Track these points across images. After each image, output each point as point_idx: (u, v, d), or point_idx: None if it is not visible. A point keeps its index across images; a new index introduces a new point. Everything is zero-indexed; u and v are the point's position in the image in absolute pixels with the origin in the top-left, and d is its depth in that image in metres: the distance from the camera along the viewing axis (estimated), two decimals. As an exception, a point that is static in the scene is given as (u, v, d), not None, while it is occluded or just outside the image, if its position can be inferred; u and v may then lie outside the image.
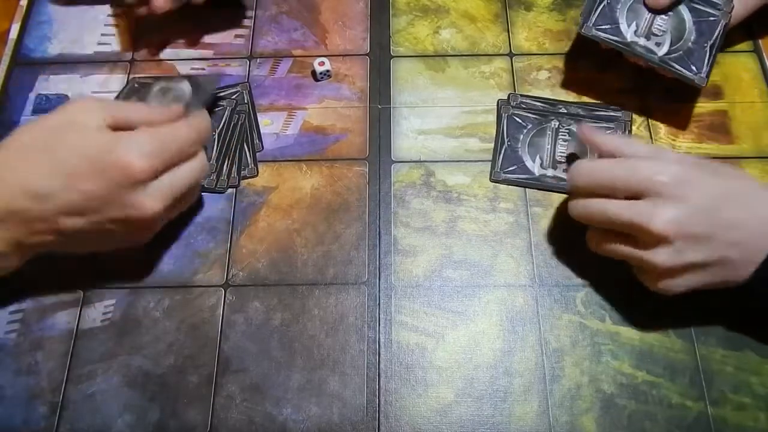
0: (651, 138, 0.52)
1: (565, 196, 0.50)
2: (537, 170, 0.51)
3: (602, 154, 0.44)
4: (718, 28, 0.49)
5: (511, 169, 0.51)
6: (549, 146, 0.51)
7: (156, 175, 0.41)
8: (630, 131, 0.51)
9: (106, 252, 0.45)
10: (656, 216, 0.39)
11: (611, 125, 0.51)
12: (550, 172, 0.50)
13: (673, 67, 0.49)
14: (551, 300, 0.46)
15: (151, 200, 0.41)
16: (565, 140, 0.51)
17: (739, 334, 0.45)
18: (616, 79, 0.53)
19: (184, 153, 0.43)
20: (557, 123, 0.51)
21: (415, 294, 0.47)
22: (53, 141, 0.40)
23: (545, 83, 0.55)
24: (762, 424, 0.42)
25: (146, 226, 0.43)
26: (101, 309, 0.47)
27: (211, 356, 0.45)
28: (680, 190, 0.39)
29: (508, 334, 0.45)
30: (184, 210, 0.46)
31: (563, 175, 0.50)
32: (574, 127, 0.51)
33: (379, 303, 0.47)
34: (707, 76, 0.49)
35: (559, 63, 0.56)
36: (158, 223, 0.43)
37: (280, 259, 0.48)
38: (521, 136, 0.51)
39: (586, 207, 0.43)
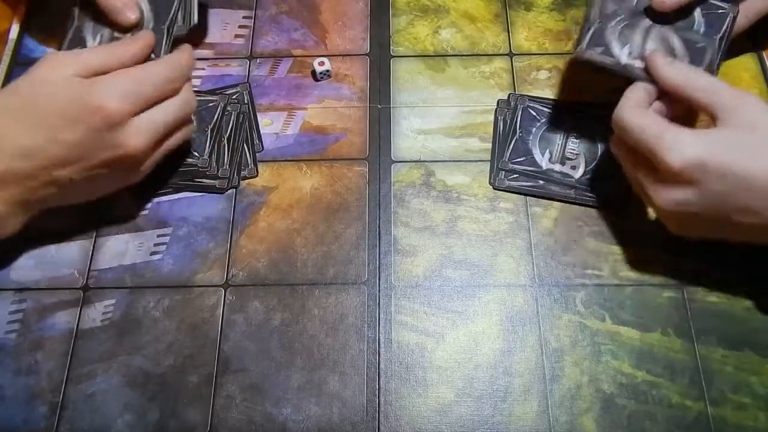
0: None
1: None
2: (545, 164, 0.50)
3: (663, 88, 0.43)
4: (727, 21, 0.47)
5: (519, 159, 0.50)
6: (560, 142, 0.51)
7: (135, 114, 0.42)
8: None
9: (107, 197, 0.47)
10: (660, 196, 0.40)
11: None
12: (557, 167, 0.50)
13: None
14: (551, 300, 0.46)
15: (135, 137, 0.42)
16: (576, 137, 0.51)
17: (739, 334, 0.45)
18: (616, 79, 0.53)
19: (164, 89, 0.44)
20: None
21: (415, 294, 0.47)
22: (30, 99, 0.41)
23: (545, 83, 0.55)
24: (762, 424, 0.42)
25: (135, 162, 0.44)
26: (101, 309, 0.47)
27: (211, 356, 0.45)
28: (694, 176, 0.38)
29: (508, 334, 0.45)
30: (173, 147, 0.47)
31: (570, 172, 0.50)
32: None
33: (379, 303, 0.47)
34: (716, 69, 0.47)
35: (559, 63, 0.56)
36: (147, 158, 0.44)
37: (280, 259, 0.48)
38: (534, 129, 0.51)
39: (615, 153, 0.45)
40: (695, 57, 0.46)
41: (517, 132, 0.52)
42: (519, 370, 0.44)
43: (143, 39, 0.46)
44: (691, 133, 0.39)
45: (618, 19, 0.47)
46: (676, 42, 0.47)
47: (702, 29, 0.47)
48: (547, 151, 0.51)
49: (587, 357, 0.44)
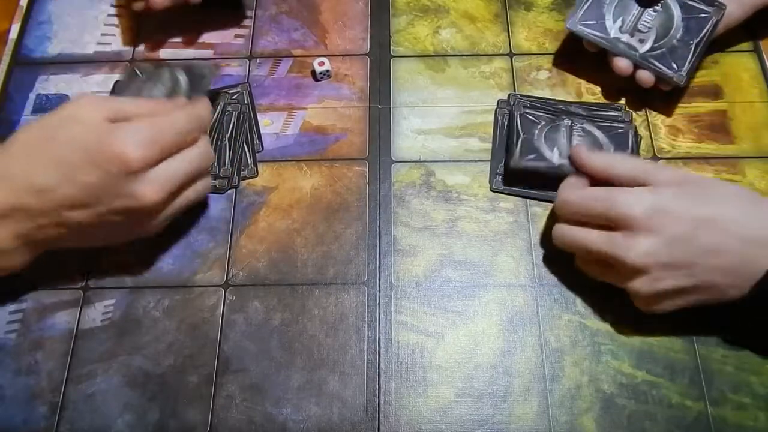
0: (651, 138, 0.52)
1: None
2: (557, 160, 0.49)
3: (592, 176, 0.44)
4: (708, 26, 0.48)
5: (530, 157, 0.49)
6: (565, 140, 0.50)
7: (153, 163, 0.41)
8: (636, 136, 0.51)
9: (114, 246, 0.46)
10: (631, 249, 0.40)
11: (621, 126, 0.50)
12: (568, 163, 0.48)
13: (653, 64, 0.49)
14: (551, 300, 0.46)
15: (150, 189, 0.41)
16: (580, 135, 0.50)
17: (739, 334, 0.45)
18: (616, 79, 0.53)
19: (183, 140, 0.43)
20: (569, 121, 0.50)
21: (415, 294, 0.47)
22: (53, 137, 0.41)
23: (545, 83, 0.55)
24: (762, 424, 0.42)
25: (148, 214, 0.43)
26: (101, 309, 0.47)
27: (211, 356, 0.45)
28: (656, 221, 0.40)
29: (508, 334, 0.45)
30: (192, 204, 0.46)
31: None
32: (587, 126, 0.50)
33: (379, 303, 0.47)
34: (687, 75, 0.49)
35: (559, 62, 0.56)
36: (161, 212, 0.43)
37: (280, 259, 0.48)
38: (536, 131, 0.51)
39: (564, 236, 0.44)
40: (693, 29, 0.49)
41: (521, 134, 0.50)
42: (519, 370, 0.44)
43: (177, 101, 0.46)
44: (638, 189, 0.41)
45: (540, 125, 0.50)
46: (598, 132, 0.49)
47: (679, 34, 0.48)
48: (555, 148, 0.50)
49: (587, 357, 0.44)
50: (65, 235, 0.42)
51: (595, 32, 0.49)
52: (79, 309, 0.47)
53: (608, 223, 0.41)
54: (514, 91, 0.55)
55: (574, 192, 0.44)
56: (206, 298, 0.47)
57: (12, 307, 0.47)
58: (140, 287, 0.47)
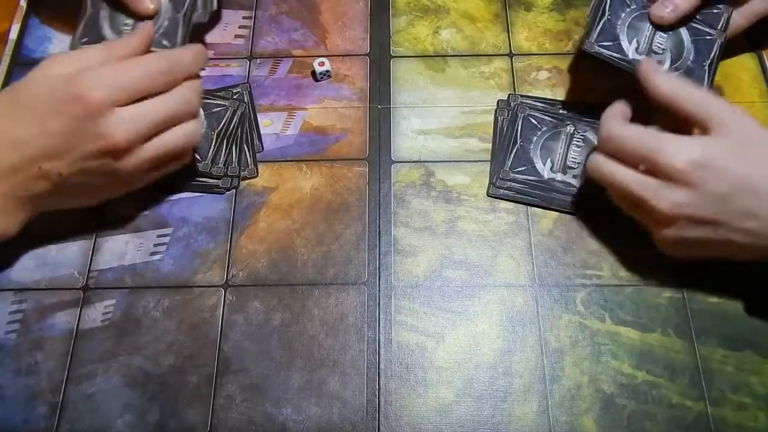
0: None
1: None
2: (546, 173, 0.50)
3: (655, 101, 0.43)
4: (715, 48, 0.48)
5: (520, 169, 0.50)
6: (561, 150, 0.50)
7: (121, 104, 0.42)
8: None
9: (108, 201, 0.47)
10: (663, 198, 0.40)
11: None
12: (559, 177, 0.50)
13: None
14: (551, 300, 0.46)
15: (118, 127, 0.41)
16: (578, 146, 0.50)
17: (739, 334, 0.45)
18: (617, 81, 0.53)
19: (155, 82, 0.43)
20: (572, 128, 0.50)
21: (415, 294, 0.47)
22: (24, 93, 0.42)
23: (545, 83, 0.55)
24: (762, 424, 0.42)
25: (121, 154, 0.42)
26: (101, 309, 0.47)
27: (211, 356, 0.45)
28: (697, 176, 0.39)
29: (508, 334, 0.45)
30: (176, 152, 0.45)
31: (572, 181, 0.49)
32: (589, 134, 0.50)
33: (379, 303, 0.47)
34: None
35: (560, 63, 0.56)
36: (137, 155, 0.43)
37: (280, 259, 0.48)
38: (534, 138, 0.51)
39: (601, 169, 0.43)
40: (702, 50, 0.48)
41: (518, 142, 0.51)
42: (519, 371, 0.44)
43: (142, 32, 0.46)
44: (689, 138, 0.41)
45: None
46: (685, 35, 0.48)
47: (692, 56, 0.48)
48: (549, 159, 0.50)
49: (587, 357, 0.44)
50: (51, 189, 0.43)
51: (613, 54, 0.48)
52: (79, 309, 0.47)
53: (648, 167, 0.41)
54: (514, 91, 0.55)
55: (619, 127, 0.43)
56: (206, 299, 0.47)
57: (12, 307, 0.47)
58: (140, 287, 0.47)
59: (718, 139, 0.40)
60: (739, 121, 0.41)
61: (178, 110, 0.44)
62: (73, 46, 0.50)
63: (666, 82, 0.43)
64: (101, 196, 0.47)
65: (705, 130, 0.41)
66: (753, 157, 0.40)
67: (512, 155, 0.50)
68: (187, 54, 0.46)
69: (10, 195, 0.42)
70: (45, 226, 0.47)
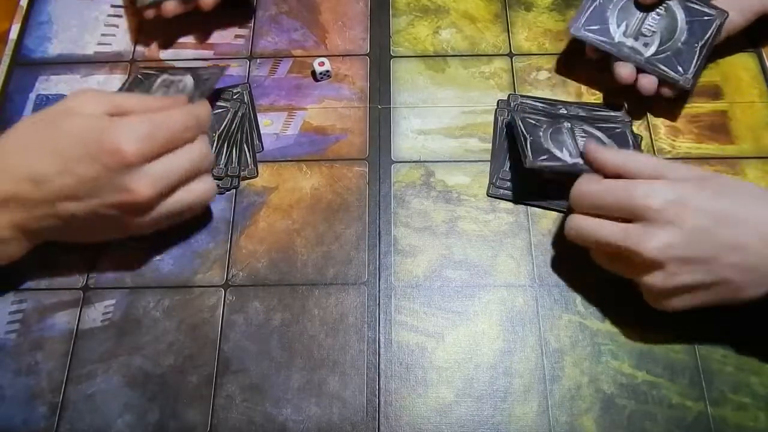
0: (651, 138, 0.52)
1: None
2: (569, 159, 0.47)
3: (607, 173, 0.44)
4: (712, 28, 0.48)
5: (543, 157, 0.48)
6: (570, 141, 0.50)
7: (149, 159, 0.41)
8: (633, 135, 0.50)
9: (109, 242, 0.47)
10: (647, 241, 0.39)
11: (618, 126, 0.50)
12: (581, 161, 0.47)
13: (658, 67, 0.49)
14: (551, 300, 0.46)
15: (144, 184, 0.41)
16: (582, 137, 0.50)
17: (739, 334, 0.45)
18: (616, 79, 0.53)
19: (180, 138, 0.43)
20: (569, 124, 0.49)
21: (415, 294, 0.47)
22: (52, 128, 0.42)
23: (545, 83, 0.55)
24: (762, 424, 0.42)
25: (141, 210, 0.43)
26: (101, 309, 0.47)
27: (211, 356, 0.45)
28: (674, 215, 0.39)
29: (508, 334, 0.45)
30: (191, 208, 0.45)
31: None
32: (587, 127, 0.50)
33: (379, 303, 0.47)
34: (693, 78, 0.49)
35: (560, 64, 0.56)
36: (154, 208, 0.43)
37: (280, 259, 0.48)
38: (540, 133, 0.50)
39: (580, 228, 0.43)
40: (696, 31, 0.49)
41: (528, 137, 0.50)
42: (519, 371, 0.44)
43: (178, 99, 0.46)
44: (658, 181, 0.41)
45: (542, 128, 0.49)
46: (680, 15, 0.49)
47: (684, 37, 0.48)
48: (564, 148, 0.49)
49: (587, 357, 0.44)
50: (60, 226, 0.43)
51: (599, 37, 0.48)
52: (79, 309, 0.47)
53: (625, 216, 0.41)
54: (514, 91, 0.55)
55: (590, 184, 0.43)
56: (206, 299, 0.47)
57: (12, 307, 0.47)
58: (140, 287, 0.47)
59: (678, 183, 0.41)
60: (687, 170, 0.42)
61: (197, 166, 0.44)
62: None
63: (611, 155, 0.44)
64: (106, 237, 0.46)
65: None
66: (714, 192, 0.40)
67: (529, 147, 0.48)
68: (204, 110, 0.45)
69: (17, 225, 0.42)
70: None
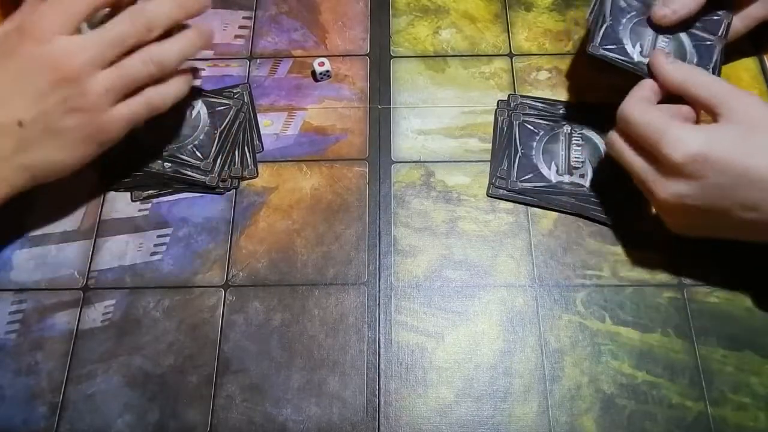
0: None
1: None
2: (553, 177, 0.49)
3: (666, 88, 0.44)
4: (715, 54, 0.48)
5: (527, 177, 0.50)
6: (563, 152, 0.50)
7: (69, 33, 0.41)
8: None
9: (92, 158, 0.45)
10: (662, 188, 0.41)
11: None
12: (566, 179, 0.49)
13: None
14: (551, 300, 0.46)
15: (69, 51, 0.41)
16: (579, 145, 0.50)
17: (739, 334, 0.45)
18: (618, 78, 0.53)
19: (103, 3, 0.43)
20: (569, 128, 0.49)
21: (415, 294, 0.47)
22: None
23: (545, 83, 0.55)
24: (762, 424, 0.42)
25: (77, 84, 0.41)
26: (101, 309, 0.47)
27: (211, 356, 0.45)
28: (696, 168, 0.39)
29: (508, 335, 0.45)
30: (154, 112, 0.45)
31: (581, 181, 0.49)
32: (586, 131, 0.50)
33: (379, 303, 0.47)
34: None
35: (560, 63, 0.56)
36: (94, 81, 0.42)
37: (280, 259, 0.48)
38: (534, 144, 0.50)
39: (614, 148, 0.44)
40: (704, 55, 0.48)
41: (519, 150, 0.51)
42: (519, 371, 0.44)
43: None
44: (693, 128, 0.41)
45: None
46: (686, 40, 0.48)
47: (695, 60, 0.48)
48: (553, 163, 0.50)
49: (587, 357, 0.44)
50: (15, 146, 0.41)
51: (619, 56, 0.48)
52: (79, 309, 0.47)
53: (654, 154, 0.41)
54: (514, 91, 0.55)
55: (635, 108, 0.43)
56: (206, 299, 0.47)
57: (12, 307, 0.47)
58: (140, 287, 0.47)
59: (724, 126, 0.40)
60: (747, 107, 0.40)
61: (136, 32, 0.43)
62: None
63: (676, 70, 0.43)
64: (78, 151, 0.44)
65: (714, 117, 0.41)
66: (757, 147, 0.39)
67: (516, 164, 0.50)
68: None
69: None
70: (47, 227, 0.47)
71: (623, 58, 0.48)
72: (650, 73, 0.45)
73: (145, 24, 0.43)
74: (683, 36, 0.49)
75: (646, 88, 0.44)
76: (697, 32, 0.48)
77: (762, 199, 0.39)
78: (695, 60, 0.48)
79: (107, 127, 0.44)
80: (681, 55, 0.48)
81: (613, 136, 0.44)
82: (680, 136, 0.40)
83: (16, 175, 0.43)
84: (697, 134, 0.40)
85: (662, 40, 0.48)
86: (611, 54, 0.48)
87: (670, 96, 0.44)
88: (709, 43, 0.48)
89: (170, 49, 0.45)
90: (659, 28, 0.48)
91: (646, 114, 0.42)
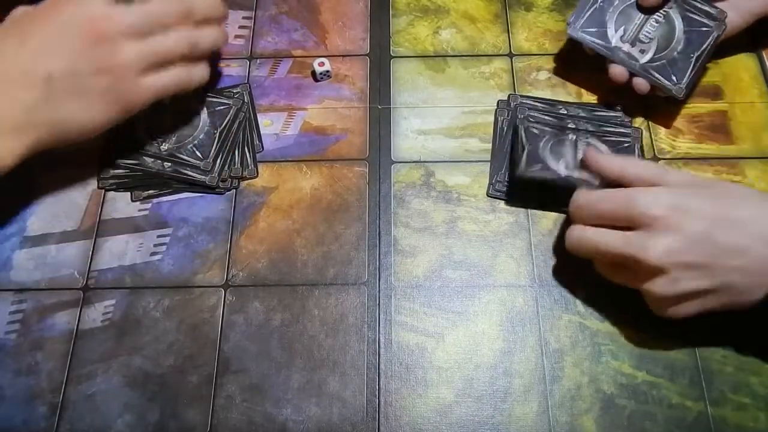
0: (651, 138, 0.52)
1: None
2: (563, 171, 0.48)
3: (607, 179, 0.44)
4: (709, 40, 0.48)
5: (535, 168, 0.48)
6: (571, 153, 0.50)
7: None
8: (641, 145, 0.50)
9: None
10: (650, 248, 0.39)
11: (627, 140, 0.50)
12: (576, 174, 0.48)
13: (652, 75, 0.49)
14: (551, 300, 0.46)
15: (106, 12, 0.43)
16: (587, 145, 0.50)
17: (739, 334, 0.45)
18: (610, 78, 0.53)
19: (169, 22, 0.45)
20: (574, 136, 0.49)
21: (415, 294, 0.47)
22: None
23: (545, 83, 0.55)
24: (762, 424, 0.42)
25: (111, 46, 0.43)
26: (101, 309, 0.47)
27: (211, 356, 0.45)
28: (675, 220, 0.39)
29: (508, 335, 0.45)
30: (182, 88, 0.47)
31: (590, 178, 0.49)
32: (591, 141, 0.50)
33: (379, 303, 0.47)
34: (686, 88, 0.49)
35: (559, 63, 0.56)
36: (129, 48, 0.43)
37: (280, 259, 0.48)
38: (541, 144, 0.50)
39: (581, 239, 0.43)
40: (694, 42, 0.49)
41: (526, 146, 0.50)
42: (519, 371, 0.44)
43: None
44: (656, 188, 0.41)
45: (545, 138, 0.49)
46: (678, 25, 0.49)
47: (680, 46, 0.48)
48: (562, 160, 0.49)
49: (587, 357, 0.44)
50: (41, 98, 0.42)
51: (595, 39, 0.49)
52: (79, 309, 0.47)
53: (626, 224, 0.41)
54: (514, 91, 0.55)
55: (589, 195, 0.43)
56: (206, 299, 0.47)
57: (12, 307, 0.47)
58: (140, 287, 0.47)
59: (675, 189, 0.41)
60: (680, 175, 0.43)
61: (176, 13, 0.45)
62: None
63: (609, 161, 0.44)
64: (102, 113, 0.45)
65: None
66: (711, 198, 0.40)
67: (524, 156, 0.48)
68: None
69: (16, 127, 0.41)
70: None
71: (599, 42, 0.49)
72: (585, 170, 0.46)
73: (188, 8, 0.46)
74: (676, 20, 0.49)
75: (586, 188, 0.45)
76: (693, 16, 0.49)
77: (743, 239, 0.39)
78: (681, 46, 0.48)
79: (134, 94, 0.45)
80: (668, 40, 0.49)
81: (575, 229, 0.43)
82: (650, 193, 0.41)
83: (39, 129, 0.43)
84: (663, 191, 0.41)
85: (651, 25, 0.49)
86: (588, 37, 0.49)
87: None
88: (705, 29, 0.48)
89: (205, 35, 0.47)
90: (649, 11, 0.49)
91: (604, 192, 0.43)
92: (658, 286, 0.40)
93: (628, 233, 0.41)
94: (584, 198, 0.43)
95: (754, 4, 0.51)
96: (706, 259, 0.39)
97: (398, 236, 0.49)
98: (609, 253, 0.42)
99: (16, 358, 0.45)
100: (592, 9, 0.50)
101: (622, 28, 0.49)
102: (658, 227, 0.39)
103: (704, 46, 0.48)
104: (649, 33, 0.48)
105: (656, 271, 0.40)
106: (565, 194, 0.45)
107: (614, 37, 0.48)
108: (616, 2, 0.49)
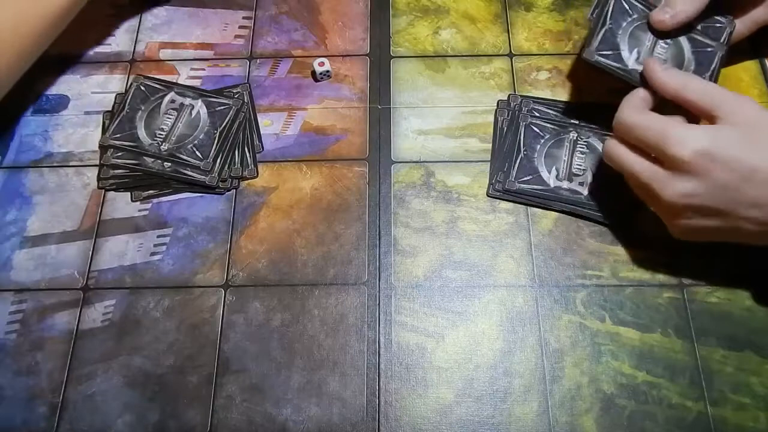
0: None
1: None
2: (552, 182, 0.49)
3: (662, 95, 0.43)
4: (715, 60, 0.48)
5: (526, 179, 0.50)
6: (566, 158, 0.50)
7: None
8: (719, 66, 0.48)
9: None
10: (669, 187, 0.40)
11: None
12: (565, 185, 0.49)
13: None
14: (551, 300, 0.46)
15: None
16: (582, 152, 0.50)
17: (739, 334, 0.45)
18: (617, 79, 0.53)
19: None
20: (575, 134, 0.49)
21: (415, 294, 0.47)
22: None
23: (545, 83, 0.55)
24: (762, 424, 0.42)
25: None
26: (101, 309, 0.47)
27: (211, 356, 0.45)
28: (702, 166, 0.39)
29: (508, 335, 0.45)
30: None
31: (579, 188, 0.49)
32: (592, 140, 0.50)
33: (379, 303, 0.47)
34: None
35: (559, 63, 0.56)
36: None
37: (280, 259, 0.48)
38: (538, 147, 0.50)
39: (614, 155, 0.44)
40: (703, 62, 0.48)
41: (522, 151, 0.51)
42: (519, 371, 0.44)
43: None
44: (696, 127, 0.41)
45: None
46: (686, 46, 0.48)
47: (693, 67, 0.48)
48: (554, 168, 0.50)
49: (587, 357, 0.44)
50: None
51: (612, 63, 0.47)
52: (79, 309, 0.47)
53: (658, 156, 0.41)
54: (514, 91, 0.55)
55: (633, 113, 0.43)
56: (206, 299, 0.47)
57: (12, 307, 0.47)
58: (140, 287, 0.47)
59: (725, 128, 0.40)
60: (745, 110, 0.41)
61: None
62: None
63: (671, 77, 0.43)
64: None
65: (712, 120, 0.41)
66: (759, 146, 0.39)
67: (516, 164, 0.50)
68: None
69: None
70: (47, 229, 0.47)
71: (617, 65, 0.47)
72: (642, 81, 0.45)
73: None
74: (683, 42, 0.48)
75: (638, 97, 0.44)
76: (698, 38, 0.48)
77: (766, 197, 0.39)
78: (693, 67, 0.48)
79: None
80: (679, 61, 0.48)
81: (612, 142, 0.44)
82: (685, 134, 0.40)
83: None
84: (701, 132, 0.40)
85: (661, 46, 0.48)
86: (605, 60, 0.47)
87: (661, 105, 0.44)
88: (709, 49, 0.48)
89: None
90: (659, 33, 0.48)
91: (646, 118, 0.42)
92: (672, 220, 0.43)
93: (656, 168, 0.41)
94: (626, 116, 0.43)
95: (759, 13, 0.50)
96: (723, 206, 0.40)
97: (398, 236, 0.49)
98: (635, 179, 0.43)
99: (16, 358, 0.45)
100: (602, 32, 0.48)
101: (636, 50, 0.47)
102: (684, 171, 0.40)
103: (713, 66, 0.47)
104: (661, 55, 0.48)
105: (672, 209, 0.41)
106: (553, 201, 0.45)
107: (630, 60, 0.47)
108: (624, 24, 0.48)
